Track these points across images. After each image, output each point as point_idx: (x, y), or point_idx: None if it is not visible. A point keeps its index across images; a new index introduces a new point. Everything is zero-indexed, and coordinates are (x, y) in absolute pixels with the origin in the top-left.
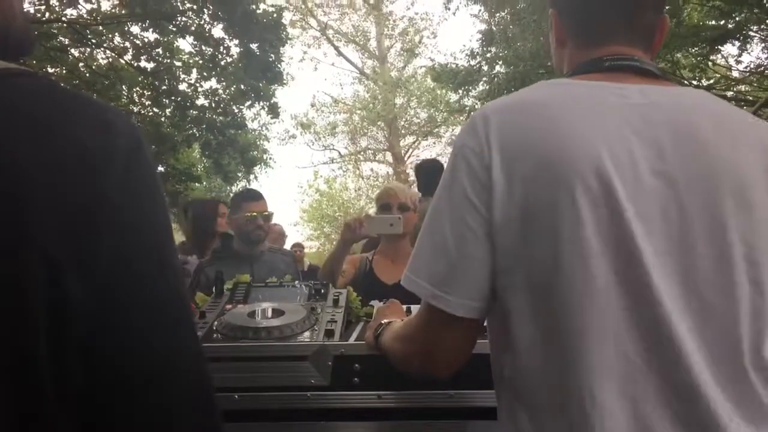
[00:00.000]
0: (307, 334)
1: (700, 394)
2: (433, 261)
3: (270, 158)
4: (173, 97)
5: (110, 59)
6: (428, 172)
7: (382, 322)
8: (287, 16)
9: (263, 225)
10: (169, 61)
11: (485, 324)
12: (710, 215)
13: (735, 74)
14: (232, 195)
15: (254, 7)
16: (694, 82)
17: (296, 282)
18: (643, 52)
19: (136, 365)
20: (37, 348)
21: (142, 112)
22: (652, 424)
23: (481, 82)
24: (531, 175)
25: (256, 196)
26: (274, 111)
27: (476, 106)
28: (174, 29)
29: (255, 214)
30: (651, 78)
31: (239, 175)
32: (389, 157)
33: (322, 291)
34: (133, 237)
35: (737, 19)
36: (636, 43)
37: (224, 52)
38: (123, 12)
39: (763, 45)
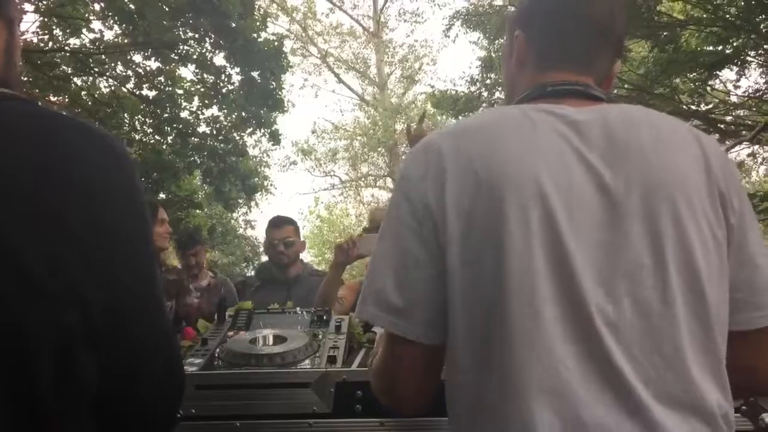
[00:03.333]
0: (309, 361)
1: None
2: (385, 290)
3: (271, 185)
4: (175, 125)
5: (112, 87)
6: None
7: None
8: (288, 44)
9: (285, 251)
10: (170, 89)
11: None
12: (650, 225)
13: (734, 99)
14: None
15: (255, 35)
16: (693, 107)
17: (298, 309)
18: (594, 83)
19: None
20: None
21: (144, 139)
22: None
23: (481, 108)
24: (471, 194)
25: (277, 223)
26: (275, 138)
27: None
28: (176, 58)
29: (277, 241)
30: (596, 101)
31: (240, 201)
32: (390, 182)
33: (324, 317)
34: (122, 250)
35: (735, 44)
36: (587, 75)
37: (226, 80)
38: (125, 41)
39: (761, 70)
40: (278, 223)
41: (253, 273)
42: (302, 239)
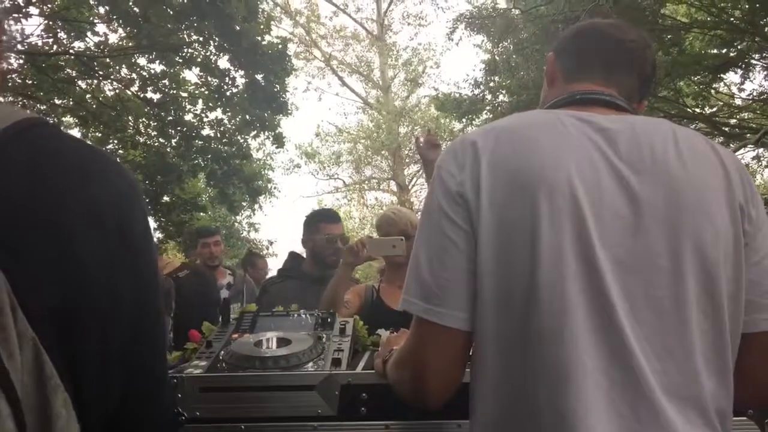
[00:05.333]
0: (313, 363)
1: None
2: (422, 277)
3: (275, 188)
4: (179, 128)
5: (117, 91)
6: None
7: (393, 348)
8: (292, 48)
9: (341, 249)
10: (175, 92)
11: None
12: (671, 230)
13: (738, 102)
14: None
15: (259, 38)
16: (697, 110)
17: (302, 311)
18: (617, 95)
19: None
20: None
21: (148, 142)
22: None
23: (485, 111)
24: (504, 190)
25: (334, 218)
26: (279, 141)
27: None
28: (180, 61)
29: (334, 235)
30: (621, 111)
31: (244, 204)
32: (393, 185)
33: (329, 320)
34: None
35: (739, 47)
36: (611, 86)
37: (230, 83)
38: (130, 44)
39: (765, 73)
40: (335, 218)
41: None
42: None
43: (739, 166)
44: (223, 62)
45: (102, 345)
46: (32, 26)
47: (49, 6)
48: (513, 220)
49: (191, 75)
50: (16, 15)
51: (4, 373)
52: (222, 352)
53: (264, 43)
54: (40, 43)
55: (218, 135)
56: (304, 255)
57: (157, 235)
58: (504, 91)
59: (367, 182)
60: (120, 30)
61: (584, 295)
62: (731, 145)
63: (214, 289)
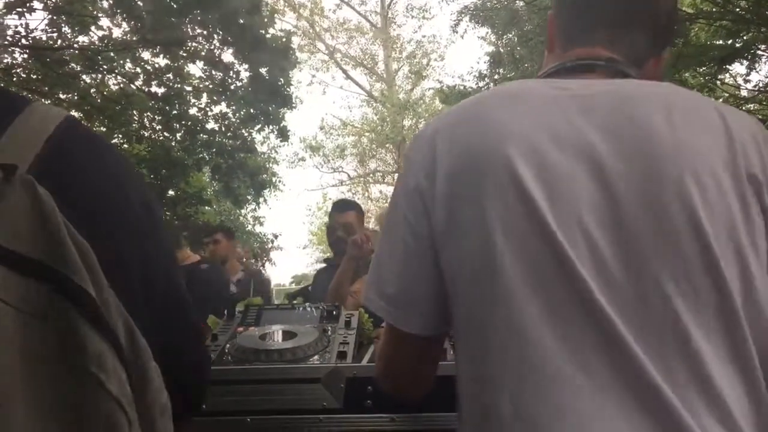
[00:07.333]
0: (319, 356)
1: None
2: (382, 275)
3: (279, 181)
4: (183, 122)
5: (121, 85)
6: None
7: None
8: (296, 41)
9: (343, 236)
10: (179, 86)
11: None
12: (653, 206)
13: (744, 93)
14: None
15: (263, 32)
16: None
17: (307, 304)
18: (624, 59)
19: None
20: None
21: (153, 136)
22: None
23: None
24: (457, 171)
25: (341, 207)
26: (283, 134)
27: None
28: (184, 55)
29: (338, 224)
30: (620, 76)
31: (249, 198)
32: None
33: (334, 313)
34: (154, 255)
35: (745, 38)
36: (617, 48)
37: (234, 76)
38: (134, 38)
39: None
40: (341, 207)
41: None
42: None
43: (753, 132)
44: (227, 56)
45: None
46: (36, 21)
47: (53, 0)
48: (465, 199)
49: (195, 69)
50: (20, 9)
51: (114, 336)
52: (227, 345)
53: (268, 36)
54: (44, 37)
55: (223, 129)
56: None
57: None
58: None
59: (371, 175)
60: (124, 24)
61: (544, 298)
62: None
63: (225, 285)
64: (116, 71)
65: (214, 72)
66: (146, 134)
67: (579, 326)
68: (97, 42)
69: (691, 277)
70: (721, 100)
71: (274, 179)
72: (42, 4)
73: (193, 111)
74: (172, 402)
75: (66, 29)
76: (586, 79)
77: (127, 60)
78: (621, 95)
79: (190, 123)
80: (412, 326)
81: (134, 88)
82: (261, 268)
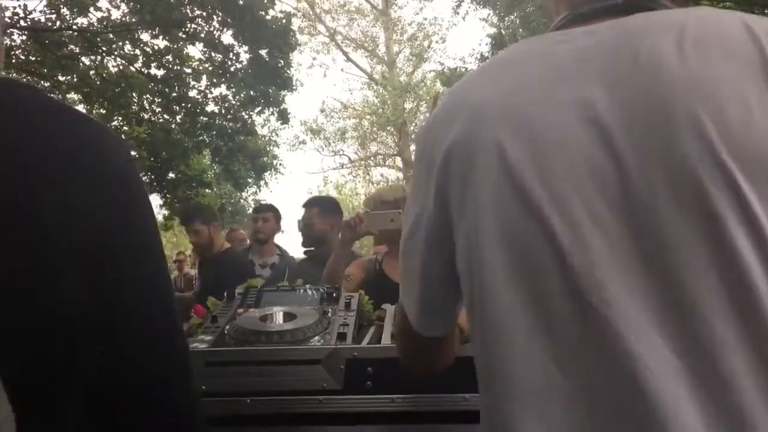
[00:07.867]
0: (319, 338)
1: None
2: (405, 283)
3: (280, 164)
4: (183, 104)
5: (120, 67)
6: None
7: None
8: (296, 23)
9: (302, 228)
10: (179, 68)
11: None
12: (660, 155)
13: None
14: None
15: (263, 13)
16: None
17: (307, 286)
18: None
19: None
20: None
21: (153, 119)
22: None
23: None
24: (449, 166)
25: (308, 204)
26: (283, 117)
27: None
28: (184, 36)
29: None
30: (641, 10)
31: (249, 181)
32: (399, 162)
33: (334, 295)
34: (129, 239)
35: None
36: None
37: (234, 58)
38: (133, 20)
39: None
40: (308, 204)
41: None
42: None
43: None
44: (227, 37)
45: None
46: (35, 2)
47: None
48: (462, 180)
49: (195, 51)
50: None
51: None
52: (227, 326)
53: (268, 17)
54: (42, 19)
55: (223, 111)
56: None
57: (163, 212)
58: None
59: (372, 158)
60: (123, 5)
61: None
62: None
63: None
64: (115, 53)
65: (213, 54)
66: (146, 117)
67: (563, 317)
68: (95, 23)
69: (723, 267)
70: None
71: (274, 162)
72: None
73: (192, 93)
74: None
75: (64, 11)
76: (595, 23)
77: (127, 42)
78: (626, 31)
79: (190, 105)
80: (419, 326)
81: (133, 70)
82: None
